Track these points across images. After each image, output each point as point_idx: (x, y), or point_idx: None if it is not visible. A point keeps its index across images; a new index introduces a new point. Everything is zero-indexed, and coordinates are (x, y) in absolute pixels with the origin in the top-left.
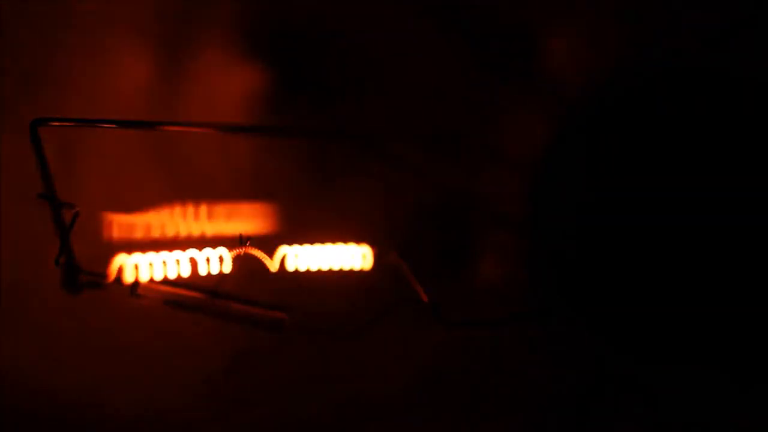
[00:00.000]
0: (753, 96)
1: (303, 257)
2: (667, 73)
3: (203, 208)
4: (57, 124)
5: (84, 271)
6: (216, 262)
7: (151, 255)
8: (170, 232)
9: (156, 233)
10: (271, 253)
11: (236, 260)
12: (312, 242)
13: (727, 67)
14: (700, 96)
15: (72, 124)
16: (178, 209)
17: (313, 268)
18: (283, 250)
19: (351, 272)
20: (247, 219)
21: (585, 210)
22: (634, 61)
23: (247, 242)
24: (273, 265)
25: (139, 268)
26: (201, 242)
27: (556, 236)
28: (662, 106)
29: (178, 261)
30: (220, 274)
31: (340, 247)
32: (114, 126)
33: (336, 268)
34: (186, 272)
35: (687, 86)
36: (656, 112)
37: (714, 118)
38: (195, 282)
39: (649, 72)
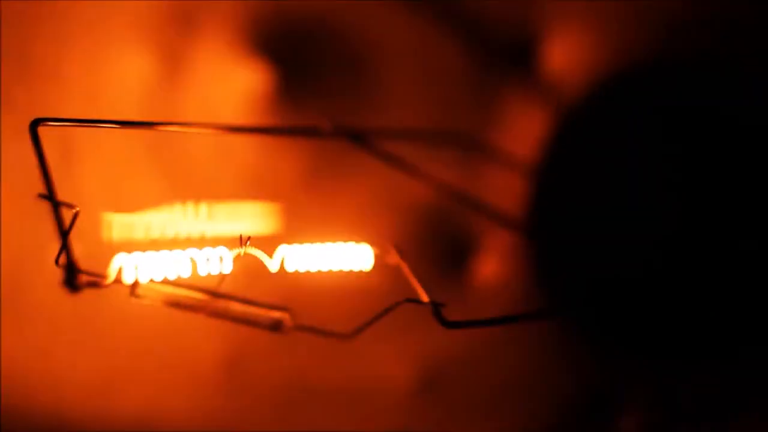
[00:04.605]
0: (752, 91)
1: (303, 257)
2: (667, 72)
3: (203, 208)
4: (57, 124)
5: (84, 271)
6: (216, 262)
7: (151, 255)
8: (170, 232)
9: (156, 233)
10: (271, 253)
11: (236, 260)
12: (312, 242)
13: (728, 65)
14: (700, 94)
15: (72, 124)
16: (178, 209)
17: (313, 268)
18: (283, 250)
19: (351, 272)
20: (247, 219)
21: (585, 210)
22: (634, 60)
23: (247, 242)
24: (273, 265)
25: (139, 268)
26: (201, 242)
27: (556, 236)
28: (662, 105)
29: (178, 261)
30: (220, 274)
31: (340, 247)
32: (114, 126)
33: (336, 268)
34: (186, 272)
35: (687, 85)
36: (656, 111)
37: (714, 117)
38: (195, 282)
39: (649, 71)
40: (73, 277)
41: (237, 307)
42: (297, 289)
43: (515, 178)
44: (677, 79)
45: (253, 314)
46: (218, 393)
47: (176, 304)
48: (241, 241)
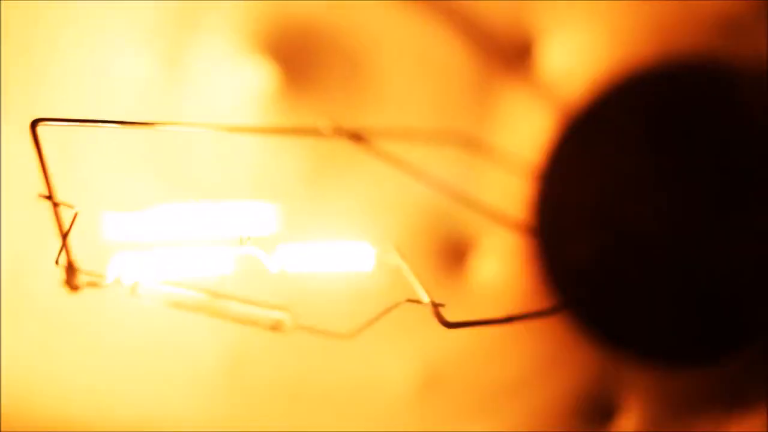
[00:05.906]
0: (754, 95)
1: (303, 257)
2: (667, 72)
3: (203, 208)
4: (57, 124)
5: (84, 271)
6: (216, 262)
7: (150, 255)
8: (170, 232)
9: (156, 233)
10: (271, 253)
11: (236, 260)
12: (312, 242)
13: (728, 65)
14: (700, 94)
15: (72, 124)
16: (178, 209)
17: (314, 269)
18: (283, 250)
19: (351, 272)
20: (247, 219)
21: (585, 209)
22: (634, 60)
23: (247, 242)
24: (273, 265)
25: (139, 268)
26: (201, 242)
27: (556, 236)
28: (662, 105)
29: (178, 261)
30: (220, 274)
31: (340, 247)
32: (114, 126)
33: (336, 268)
34: (186, 272)
35: (687, 85)
36: (656, 112)
37: (715, 117)
38: (195, 282)
39: (650, 71)
40: (73, 277)
41: (237, 307)
42: (297, 289)
43: (515, 178)
44: (677, 78)
45: (253, 314)
46: (218, 392)
47: (176, 304)
48: (241, 241)
